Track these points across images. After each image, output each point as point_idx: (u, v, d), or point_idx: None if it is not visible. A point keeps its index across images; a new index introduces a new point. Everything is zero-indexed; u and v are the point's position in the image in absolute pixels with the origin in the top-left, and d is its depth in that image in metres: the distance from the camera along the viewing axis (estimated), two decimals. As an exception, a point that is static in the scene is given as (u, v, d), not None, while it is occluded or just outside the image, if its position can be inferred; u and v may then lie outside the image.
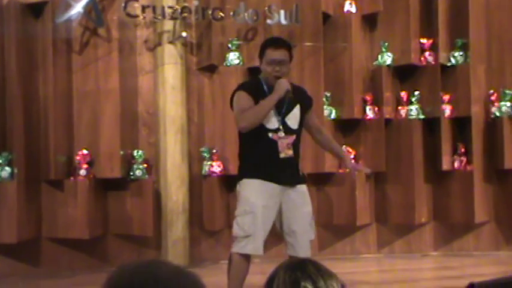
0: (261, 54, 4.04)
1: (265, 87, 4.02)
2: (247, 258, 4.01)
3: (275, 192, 3.98)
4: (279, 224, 4.06)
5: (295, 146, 4.03)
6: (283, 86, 3.91)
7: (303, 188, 4.09)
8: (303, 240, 4.01)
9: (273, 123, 3.98)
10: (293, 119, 4.04)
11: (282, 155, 3.95)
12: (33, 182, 5.76)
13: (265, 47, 4.04)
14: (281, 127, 3.97)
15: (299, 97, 4.12)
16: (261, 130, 3.96)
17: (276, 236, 4.23)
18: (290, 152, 3.97)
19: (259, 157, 4.00)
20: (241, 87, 4.14)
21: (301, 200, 4.05)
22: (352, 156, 6.36)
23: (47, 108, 5.81)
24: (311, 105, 4.22)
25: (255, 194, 3.95)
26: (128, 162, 6.02)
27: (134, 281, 1.21)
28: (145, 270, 1.23)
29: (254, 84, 4.10)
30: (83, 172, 5.81)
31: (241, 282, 3.99)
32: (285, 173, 3.98)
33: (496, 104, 6.46)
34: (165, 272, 1.23)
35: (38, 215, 5.82)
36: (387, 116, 6.46)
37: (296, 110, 4.07)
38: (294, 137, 4.02)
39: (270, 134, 3.96)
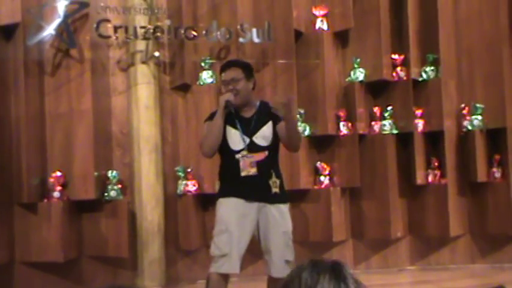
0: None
1: (232, 111, 4.06)
2: (225, 277, 3.99)
3: (250, 210, 3.98)
4: (258, 239, 4.07)
5: (267, 163, 4.01)
6: (222, 99, 4.00)
7: (280, 207, 4.06)
8: (277, 260, 3.99)
9: (238, 144, 4.01)
10: (261, 137, 4.04)
11: (243, 173, 3.96)
12: (6, 205, 5.69)
13: (219, 73, 4.18)
14: (246, 147, 3.99)
15: (269, 114, 4.09)
16: (229, 152, 4.02)
17: (253, 254, 4.22)
18: (253, 170, 3.96)
19: (229, 177, 4.05)
20: (209, 117, 4.19)
21: (278, 219, 4.03)
22: (327, 172, 6.40)
23: (19, 131, 5.76)
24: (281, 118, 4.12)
25: (229, 212, 3.97)
26: (102, 183, 5.97)
27: None
28: None
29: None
30: (56, 194, 5.75)
31: None
32: (252, 191, 3.98)
33: (467, 117, 6.54)
34: None
35: (11, 239, 5.74)
36: (361, 132, 6.50)
37: (266, 128, 4.07)
38: (264, 154, 4.00)
39: (237, 156, 3.99)
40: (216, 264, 3.94)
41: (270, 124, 4.09)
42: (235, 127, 4.04)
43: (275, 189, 4.05)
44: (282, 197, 4.09)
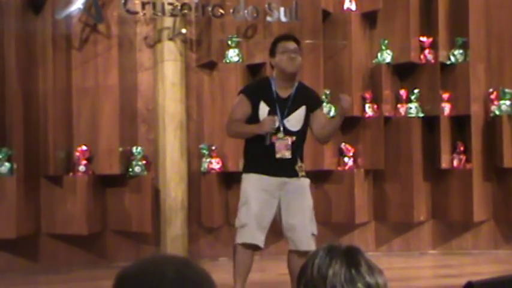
0: (273, 50, 4.16)
1: (273, 87, 4.10)
2: (250, 248, 4.09)
3: (273, 186, 4.07)
4: (279, 218, 4.11)
5: (295, 146, 4.10)
6: (266, 126, 4.00)
7: (302, 181, 4.15)
8: (303, 234, 4.07)
9: None
10: (293, 120, 4.12)
11: (278, 155, 4.05)
12: (32, 178, 5.76)
13: (277, 41, 4.21)
14: (282, 129, 4.06)
15: (305, 98, 4.20)
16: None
17: (276, 233, 4.25)
18: (287, 154, 4.05)
19: (257, 155, 4.12)
20: (244, 89, 4.28)
21: (301, 193, 4.12)
22: (351, 153, 6.39)
23: (46, 104, 5.81)
24: (319, 105, 4.29)
25: (251, 186, 4.10)
26: (127, 158, 6.02)
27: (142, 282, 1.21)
28: (152, 271, 1.22)
29: (262, 85, 4.22)
30: (82, 168, 5.81)
31: (246, 271, 4.11)
32: (281, 167, 4.07)
33: (495, 102, 6.46)
34: (172, 269, 1.23)
35: (37, 211, 5.82)
36: (386, 114, 6.46)
37: (300, 112, 4.15)
38: (292, 138, 4.09)
39: (271, 137, 4.05)
40: (239, 235, 4.09)
41: (303, 108, 4.16)
42: (270, 106, 4.08)
43: (301, 173, 4.15)
44: (301, 174, 4.19)
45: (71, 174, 5.83)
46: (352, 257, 1.48)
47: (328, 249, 1.51)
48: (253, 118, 4.10)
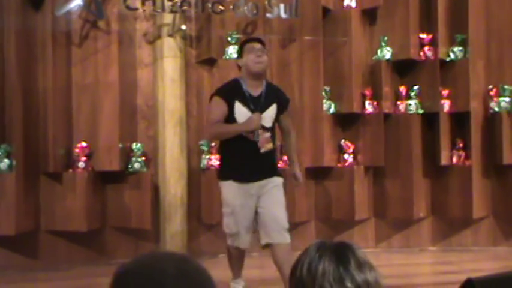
0: (241, 52, 4.32)
1: (244, 87, 4.24)
2: (241, 249, 4.44)
3: (251, 190, 4.25)
4: (257, 213, 4.28)
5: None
6: (256, 123, 4.15)
7: (277, 180, 4.30)
8: (279, 227, 4.20)
9: None
10: (267, 118, 4.26)
11: (262, 150, 4.20)
12: (32, 174, 5.75)
13: (244, 44, 4.38)
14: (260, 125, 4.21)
15: (276, 97, 4.36)
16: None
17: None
18: (270, 146, 4.23)
19: (237, 155, 4.25)
20: (217, 92, 4.39)
21: (277, 189, 4.28)
22: (351, 150, 6.39)
23: (46, 101, 5.80)
24: (287, 106, 4.45)
25: (233, 196, 4.28)
26: (127, 155, 6.02)
27: (141, 279, 1.21)
28: (152, 267, 1.22)
29: (232, 87, 4.33)
30: (81, 164, 5.81)
31: (241, 264, 4.50)
32: (261, 169, 4.23)
33: (494, 99, 6.47)
34: (172, 266, 1.23)
35: (37, 207, 5.82)
36: (386, 111, 6.47)
37: (272, 109, 4.30)
38: (268, 133, 4.25)
39: (256, 132, 4.21)
40: (230, 239, 4.37)
41: (274, 106, 4.32)
42: (246, 105, 4.21)
43: (275, 166, 4.42)
44: (278, 171, 4.41)
45: (70, 170, 5.83)
46: (341, 254, 1.48)
47: (319, 245, 1.51)
48: (230, 118, 4.22)
